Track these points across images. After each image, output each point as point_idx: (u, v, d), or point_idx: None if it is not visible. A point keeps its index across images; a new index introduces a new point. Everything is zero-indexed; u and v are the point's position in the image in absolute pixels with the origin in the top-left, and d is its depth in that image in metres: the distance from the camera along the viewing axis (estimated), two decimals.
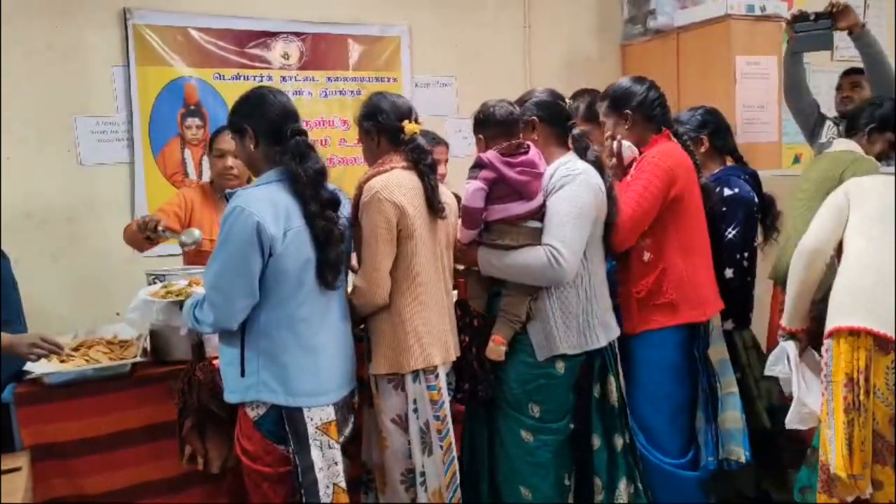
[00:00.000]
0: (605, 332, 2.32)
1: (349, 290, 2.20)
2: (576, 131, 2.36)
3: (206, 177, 3.42)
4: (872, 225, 2.19)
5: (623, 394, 2.39)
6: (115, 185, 3.40)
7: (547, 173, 2.25)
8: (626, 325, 2.44)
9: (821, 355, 2.19)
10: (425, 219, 2.17)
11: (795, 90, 3.32)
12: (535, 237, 2.20)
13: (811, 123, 3.36)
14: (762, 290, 3.06)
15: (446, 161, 3.06)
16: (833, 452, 2.04)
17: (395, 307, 2.15)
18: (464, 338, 2.31)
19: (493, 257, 2.24)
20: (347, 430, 2.17)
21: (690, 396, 2.50)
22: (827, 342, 2.13)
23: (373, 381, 2.20)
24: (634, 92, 2.52)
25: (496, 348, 2.23)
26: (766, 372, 2.43)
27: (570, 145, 2.35)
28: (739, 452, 2.47)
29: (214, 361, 2.18)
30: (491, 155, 2.20)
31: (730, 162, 2.89)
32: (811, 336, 2.34)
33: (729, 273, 2.66)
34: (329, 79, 3.81)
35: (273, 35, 3.67)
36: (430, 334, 2.17)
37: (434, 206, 2.18)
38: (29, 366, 2.22)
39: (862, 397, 2.03)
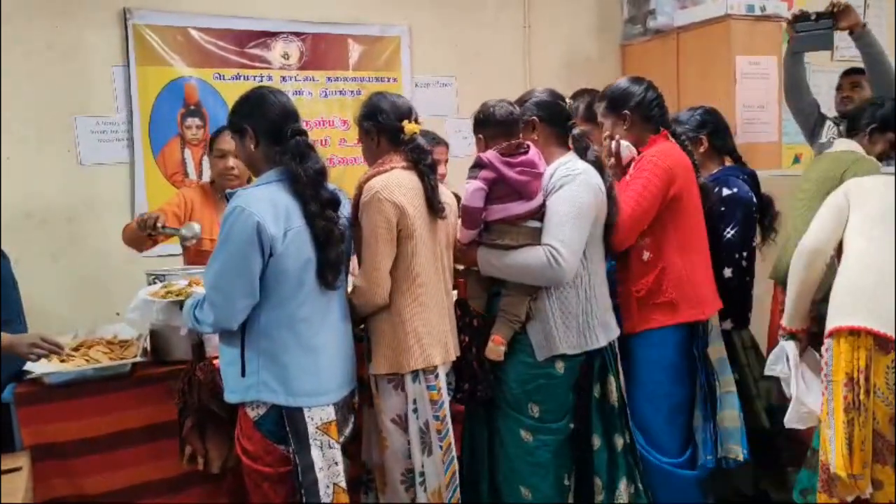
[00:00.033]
0: (605, 332, 2.32)
1: (349, 289, 2.20)
2: (576, 131, 2.36)
3: (206, 177, 3.42)
4: (873, 225, 2.19)
5: (623, 394, 2.39)
6: (115, 185, 3.40)
7: (547, 173, 2.25)
8: (626, 324, 2.45)
9: (821, 355, 2.19)
10: (425, 219, 2.17)
11: (796, 90, 3.32)
12: (535, 237, 2.19)
13: (811, 123, 3.36)
14: (762, 290, 3.07)
15: (446, 161, 3.06)
16: (833, 452, 2.04)
17: (395, 307, 2.15)
18: (463, 338, 2.31)
19: (492, 257, 2.24)
20: (347, 430, 2.17)
21: (689, 395, 2.50)
22: (827, 342, 2.13)
23: (373, 381, 2.20)
24: (633, 92, 2.52)
25: (495, 348, 2.23)
26: (767, 372, 2.43)
27: (570, 145, 2.35)
28: (738, 451, 2.48)
29: (214, 361, 2.18)
30: (491, 155, 2.20)
31: (728, 162, 2.90)
32: (812, 336, 2.34)
33: (727, 273, 2.66)
34: (329, 79, 3.81)
35: (273, 35, 3.67)
36: (429, 334, 2.17)
37: (434, 206, 2.18)
38: (29, 366, 2.22)
39: (862, 397, 2.03)
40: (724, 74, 3.69)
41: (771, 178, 3.37)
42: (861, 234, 2.20)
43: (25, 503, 1.93)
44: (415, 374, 2.15)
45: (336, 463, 2.03)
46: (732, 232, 2.67)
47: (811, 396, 2.23)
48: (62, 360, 2.29)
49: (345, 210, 2.15)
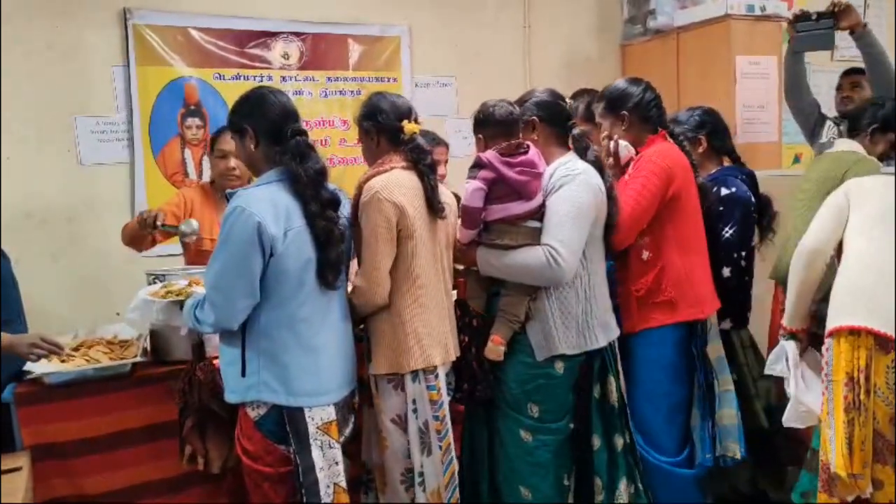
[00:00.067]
0: (605, 332, 2.32)
1: (349, 289, 2.20)
2: (576, 131, 2.36)
3: (206, 177, 3.42)
4: (873, 225, 2.19)
5: (623, 394, 2.39)
6: (115, 185, 3.41)
7: (547, 173, 2.25)
8: (626, 323, 2.45)
9: (821, 355, 2.19)
10: (425, 219, 2.17)
11: (796, 90, 3.32)
12: (535, 237, 2.19)
13: (811, 123, 3.36)
14: (763, 289, 3.07)
15: (446, 162, 3.06)
16: (833, 452, 2.04)
17: (395, 307, 2.15)
18: (463, 338, 2.31)
19: (492, 257, 2.24)
20: (348, 430, 2.17)
21: (688, 395, 2.51)
22: (827, 341, 2.13)
23: (372, 381, 2.20)
24: (631, 93, 2.53)
25: (495, 348, 2.23)
26: (767, 371, 2.43)
27: (570, 145, 2.35)
28: (735, 449, 2.49)
29: (215, 361, 2.18)
30: (490, 155, 2.20)
31: (727, 162, 2.90)
32: (812, 336, 2.34)
33: (726, 272, 2.67)
34: (329, 79, 3.81)
35: (273, 35, 3.67)
36: (429, 335, 2.17)
37: (434, 206, 2.18)
38: (29, 366, 2.22)
39: (862, 396, 2.03)
40: (724, 74, 3.69)
41: (771, 178, 3.37)
42: (861, 233, 2.20)
43: (25, 503, 1.92)
44: (414, 374, 2.15)
45: (336, 463, 2.03)
46: (731, 231, 2.67)
47: (810, 396, 2.23)
48: (62, 360, 2.29)
49: (345, 210, 2.15)
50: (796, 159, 4.37)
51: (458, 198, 2.39)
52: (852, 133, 2.83)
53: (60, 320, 2.96)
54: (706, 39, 3.81)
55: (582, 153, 2.33)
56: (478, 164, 2.20)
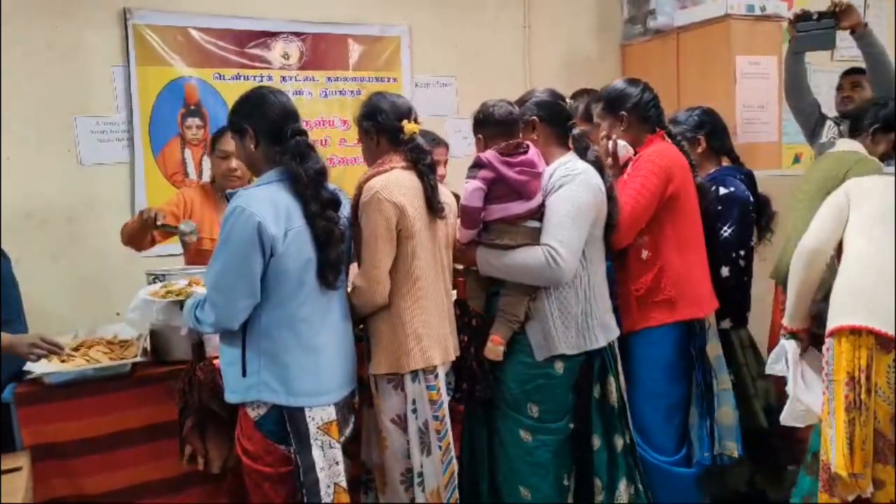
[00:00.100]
0: (605, 332, 2.32)
1: (349, 289, 2.20)
2: (576, 131, 2.36)
3: (206, 177, 3.42)
4: (873, 225, 2.19)
5: (623, 395, 2.39)
6: (115, 185, 3.40)
7: (546, 173, 2.25)
8: (626, 323, 2.46)
9: (822, 354, 2.19)
10: (425, 219, 2.17)
11: (797, 89, 3.32)
12: (534, 237, 2.19)
13: (812, 123, 3.36)
14: (764, 289, 3.07)
15: (445, 162, 3.05)
16: (834, 451, 2.04)
17: (395, 307, 2.15)
18: (463, 338, 2.31)
19: (491, 257, 2.24)
20: (348, 430, 2.17)
21: (686, 394, 2.52)
22: (828, 341, 2.13)
23: (372, 381, 2.20)
24: (629, 94, 2.54)
25: (494, 348, 2.23)
26: (767, 370, 2.44)
27: (571, 145, 2.35)
28: (733, 447, 2.51)
29: (215, 361, 2.19)
30: (490, 154, 2.20)
31: (726, 162, 2.90)
32: (813, 335, 2.34)
33: (725, 271, 2.67)
34: (329, 79, 3.81)
35: (273, 35, 3.67)
36: (429, 334, 2.17)
37: (434, 206, 2.18)
38: (29, 366, 2.22)
39: (863, 396, 2.03)
40: (724, 74, 3.69)
41: (771, 178, 3.37)
42: (861, 233, 2.20)
43: (25, 503, 1.92)
44: (414, 374, 2.15)
45: (337, 463, 2.04)
46: (729, 231, 2.67)
47: (810, 395, 2.23)
48: (62, 360, 2.29)
49: (345, 210, 2.15)
50: (796, 159, 4.37)
51: (457, 197, 2.39)
52: (854, 133, 2.83)
53: (60, 320, 2.96)
54: (706, 39, 3.81)
55: (582, 153, 2.33)
56: (477, 164, 2.20)
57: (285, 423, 1.99)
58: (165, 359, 2.39)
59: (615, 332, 2.38)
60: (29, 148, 3.23)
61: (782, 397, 2.35)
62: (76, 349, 2.39)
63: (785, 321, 2.38)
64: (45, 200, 3.27)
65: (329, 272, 2.01)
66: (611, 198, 2.31)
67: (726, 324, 2.71)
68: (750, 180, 2.82)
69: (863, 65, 3.24)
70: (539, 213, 2.21)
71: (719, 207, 2.68)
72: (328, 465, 2.01)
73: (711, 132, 2.84)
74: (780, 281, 2.79)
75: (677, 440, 2.51)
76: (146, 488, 2.33)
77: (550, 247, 2.15)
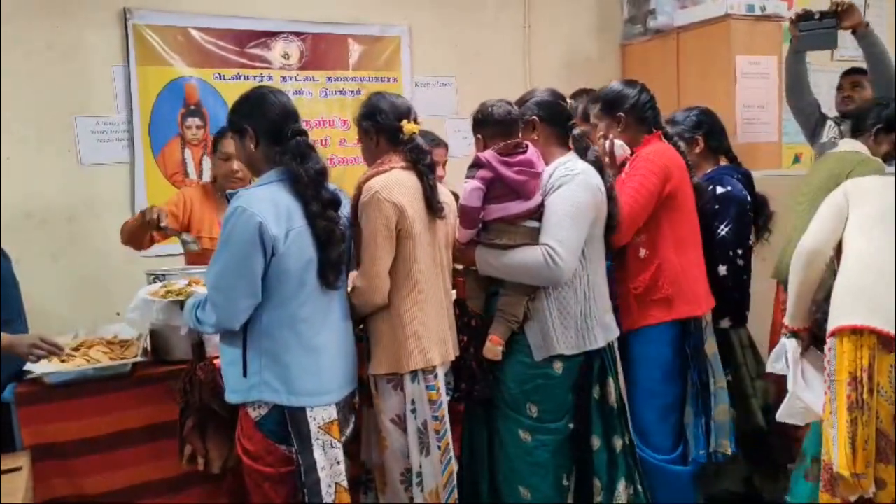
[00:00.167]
0: (604, 332, 2.32)
1: (348, 289, 2.20)
2: (576, 131, 2.37)
3: (206, 177, 3.42)
4: (873, 225, 2.19)
5: (623, 395, 2.39)
6: (115, 185, 3.40)
7: (546, 173, 2.25)
8: (625, 321, 2.47)
9: (823, 354, 2.19)
10: (424, 219, 2.17)
11: (797, 89, 3.33)
12: (533, 237, 2.19)
13: (812, 123, 3.36)
14: (765, 288, 3.07)
15: (445, 163, 3.05)
16: (836, 451, 2.04)
17: (394, 307, 2.15)
18: (462, 338, 2.31)
19: (490, 257, 2.24)
20: (348, 430, 2.17)
21: (683, 392, 2.53)
22: (830, 341, 2.13)
23: (372, 381, 2.20)
24: (627, 95, 2.56)
25: (493, 348, 2.23)
26: (768, 369, 2.44)
27: (571, 145, 2.35)
28: (727, 445, 2.54)
29: (215, 361, 2.18)
30: (489, 154, 2.20)
31: (724, 162, 2.91)
32: (813, 335, 2.34)
33: (722, 270, 2.68)
34: (329, 79, 3.81)
35: (273, 35, 3.67)
36: (428, 335, 2.17)
37: (433, 206, 2.18)
38: (29, 366, 2.22)
39: (865, 396, 2.03)
40: (724, 74, 3.69)
41: (771, 178, 3.37)
42: (861, 233, 2.20)
43: (25, 503, 1.92)
44: (413, 374, 2.15)
45: (338, 462, 2.03)
46: (726, 229, 2.68)
47: (810, 394, 2.23)
48: (62, 360, 2.29)
49: (345, 210, 2.15)
50: (796, 159, 4.37)
51: (457, 197, 2.39)
52: (856, 133, 2.84)
53: (60, 320, 2.96)
54: (706, 39, 3.81)
55: (582, 153, 2.33)
56: (476, 164, 2.20)
57: (286, 423, 1.99)
58: (165, 359, 2.39)
59: (615, 333, 2.38)
60: (29, 148, 3.23)
61: (781, 397, 2.35)
62: (76, 349, 2.39)
63: (786, 320, 2.39)
64: (45, 200, 3.27)
65: (330, 272, 2.01)
66: (611, 198, 2.31)
67: (725, 323, 2.71)
68: (747, 180, 2.83)
69: (863, 65, 3.24)
70: (538, 213, 2.21)
71: (716, 206, 2.69)
72: (329, 464, 2.01)
73: (709, 132, 2.85)
74: (782, 280, 2.80)
75: (674, 438, 2.53)
76: (146, 488, 2.33)
77: (549, 246, 2.15)
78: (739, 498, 2.79)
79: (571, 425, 2.32)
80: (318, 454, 1.99)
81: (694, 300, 2.50)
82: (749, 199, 2.75)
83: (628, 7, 4.34)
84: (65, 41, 3.27)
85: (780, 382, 2.45)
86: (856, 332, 2.07)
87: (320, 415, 2.01)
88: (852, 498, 2.06)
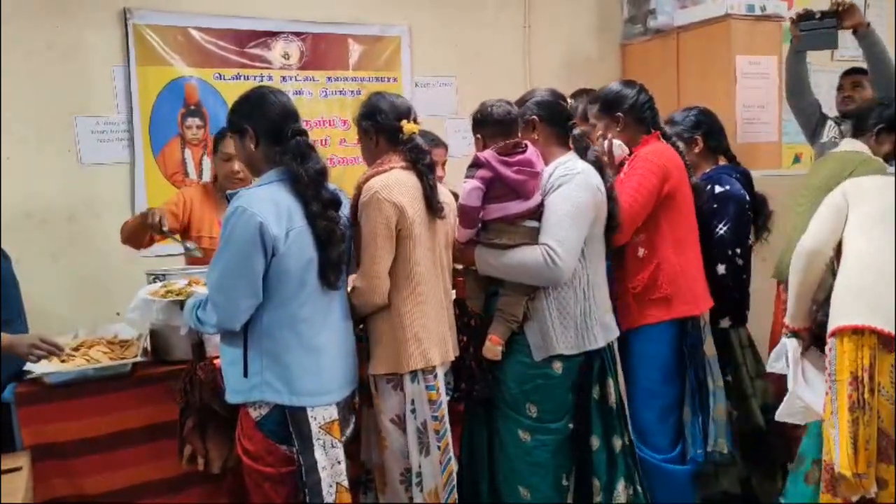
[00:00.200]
0: (604, 332, 2.32)
1: (348, 290, 2.20)
2: (576, 131, 2.37)
3: (206, 177, 3.42)
4: (873, 225, 2.19)
5: (622, 396, 2.39)
6: (115, 185, 3.40)
7: (546, 172, 2.25)
8: (624, 321, 2.47)
9: (824, 354, 2.19)
10: (424, 219, 2.17)
11: (798, 89, 3.33)
12: (533, 236, 2.19)
13: (813, 123, 3.37)
14: (765, 288, 3.07)
15: (444, 163, 3.05)
16: (838, 451, 2.04)
17: (394, 307, 2.15)
18: (462, 337, 2.31)
19: (490, 256, 2.24)
20: (349, 430, 2.17)
21: (681, 392, 2.54)
22: (830, 341, 2.13)
23: (371, 381, 2.20)
24: (625, 95, 2.57)
25: (492, 348, 2.23)
26: (769, 369, 2.45)
27: (571, 145, 2.35)
28: (723, 444, 2.55)
29: (215, 361, 2.18)
30: (488, 154, 2.20)
31: (722, 161, 2.91)
32: (814, 334, 2.35)
33: (721, 269, 2.68)
34: (329, 79, 3.81)
35: (273, 35, 3.66)
36: (428, 335, 2.17)
37: (433, 206, 2.18)
38: (29, 365, 2.22)
39: (866, 395, 2.03)
40: (724, 74, 3.69)
41: (771, 177, 3.37)
42: (861, 233, 2.20)
43: (25, 503, 1.92)
44: (413, 374, 2.15)
45: (339, 462, 2.03)
46: (725, 228, 2.68)
47: (811, 393, 2.23)
48: (62, 360, 2.29)
49: (345, 210, 2.15)
50: (796, 159, 4.37)
51: (456, 196, 2.39)
52: (857, 133, 2.84)
53: (60, 320, 2.96)
54: (706, 39, 3.81)
55: (582, 153, 2.33)
56: (475, 164, 2.20)
57: (287, 423, 1.99)
58: (165, 359, 2.39)
59: (615, 333, 2.38)
60: (29, 148, 3.23)
61: (780, 396, 2.35)
62: (76, 349, 2.39)
63: (786, 320, 2.39)
64: (45, 200, 3.27)
65: (330, 272, 2.01)
66: (611, 198, 2.31)
67: (725, 322, 2.72)
68: (746, 179, 2.83)
69: (863, 64, 3.24)
70: (538, 213, 2.21)
71: (715, 205, 2.70)
72: (330, 464, 2.01)
73: (708, 132, 2.86)
74: (782, 280, 2.80)
75: (672, 438, 2.54)
76: (146, 488, 2.33)
77: (548, 246, 2.15)
78: (736, 499, 2.79)
79: (571, 425, 2.32)
80: (318, 454, 1.99)
81: (692, 300, 2.51)
82: (748, 198, 2.75)
83: (628, 7, 4.34)
84: (65, 41, 3.27)
85: (780, 382, 2.45)
86: (856, 332, 2.07)
87: (321, 415, 2.01)
88: (854, 498, 2.06)
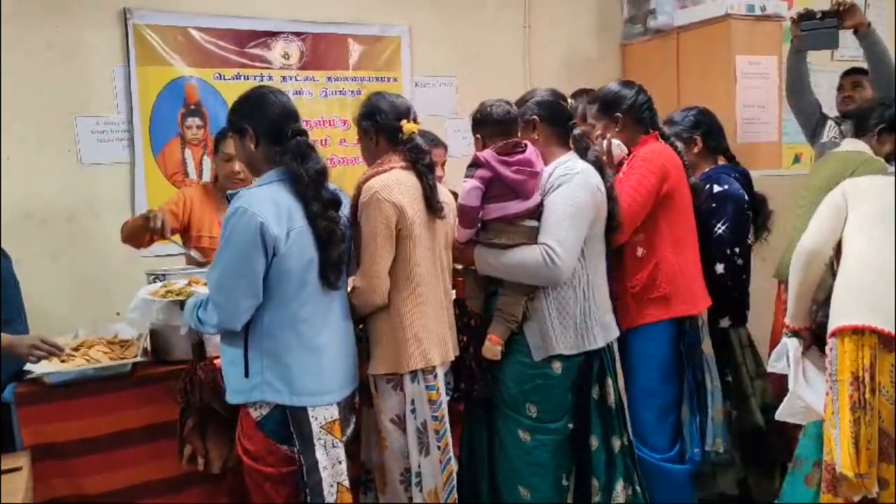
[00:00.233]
0: (604, 332, 2.31)
1: (348, 290, 2.20)
2: (577, 131, 2.37)
3: (206, 177, 3.43)
4: (872, 224, 2.19)
5: (622, 396, 2.39)
6: (115, 185, 3.40)
7: (546, 172, 2.25)
8: (623, 320, 2.47)
9: (825, 354, 2.20)
10: (424, 219, 2.17)
11: (798, 89, 3.33)
12: (532, 236, 2.19)
13: (813, 123, 3.37)
14: (766, 288, 3.07)
15: (443, 164, 3.05)
16: (839, 451, 2.04)
17: (394, 307, 2.15)
18: (462, 337, 2.31)
19: (489, 256, 2.23)
20: (349, 430, 2.17)
21: (680, 391, 2.55)
22: (831, 341, 2.13)
23: (371, 381, 2.20)
24: (624, 96, 2.58)
25: (492, 347, 2.23)
26: (770, 369, 2.45)
27: (571, 145, 2.35)
28: (720, 443, 2.56)
29: (215, 361, 2.18)
30: (487, 154, 2.19)
31: (722, 161, 2.91)
32: (815, 334, 2.35)
33: (719, 268, 2.69)
34: (329, 79, 3.81)
35: (273, 35, 3.66)
36: (428, 335, 2.17)
37: (433, 206, 2.18)
38: (29, 365, 2.22)
39: (867, 395, 2.03)
40: (724, 74, 3.69)
41: (771, 177, 3.37)
42: (860, 233, 2.20)
43: (25, 503, 1.92)
44: (413, 374, 2.15)
45: (340, 462, 2.03)
46: (723, 228, 2.69)
47: (811, 393, 2.23)
48: (62, 360, 2.29)
49: (345, 210, 2.15)
50: (796, 159, 4.37)
51: (456, 196, 2.39)
52: (859, 133, 2.84)
53: (60, 320, 2.96)
54: (706, 39, 3.81)
55: (582, 153, 2.33)
56: (475, 163, 2.20)
57: (288, 423, 1.99)
58: (165, 359, 2.39)
59: (615, 333, 2.38)
60: (29, 148, 3.22)
61: (780, 396, 2.35)
62: (76, 349, 2.39)
63: (787, 320, 2.39)
64: (45, 200, 3.27)
65: (331, 272, 2.01)
66: (611, 198, 2.31)
67: (725, 322, 2.72)
68: (745, 179, 2.84)
69: (863, 64, 3.24)
70: (537, 213, 2.21)
71: (713, 205, 2.70)
72: (331, 464, 2.01)
73: (707, 132, 2.86)
74: (783, 280, 2.80)
75: (671, 437, 2.54)
76: (146, 488, 2.33)
77: (548, 246, 2.15)
78: (733, 501, 2.80)
79: (571, 425, 2.31)
80: (320, 454, 1.99)
81: (691, 299, 2.51)
82: (746, 197, 2.75)
83: (628, 7, 4.34)
84: (65, 41, 3.27)
85: (780, 382, 2.45)
86: (857, 332, 2.07)
87: (322, 414, 2.01)
88: (856, 498, 2.06)
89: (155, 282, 2.45)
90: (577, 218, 2.18)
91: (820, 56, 3.94)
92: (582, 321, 2.25)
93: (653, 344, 2.49)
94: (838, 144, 2.99)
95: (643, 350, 2.50)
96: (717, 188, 2.72)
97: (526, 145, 2.22)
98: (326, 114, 3.82)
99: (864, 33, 3.11)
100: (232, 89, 3.42)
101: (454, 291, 2.37)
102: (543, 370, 2.24)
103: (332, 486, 2.01)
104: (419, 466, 2.17)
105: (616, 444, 2.35)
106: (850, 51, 3.89)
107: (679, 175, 2.52)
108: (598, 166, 2.32)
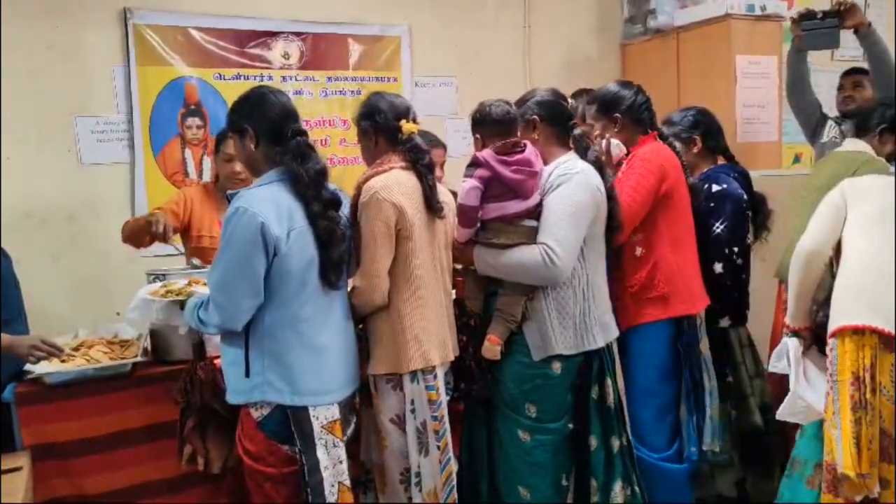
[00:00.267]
0: (604, 332, 2.31)
1: (348, 289, 2.20)
2: (577, 131, 2.37)
3: (206, 177, 3.43)
4: (872, 224, 2.19)
5: (621, 396, 2.39)
6: (115, 185, 3.40)
7: (545, 172, 2.25)
8: (622, 320, 2.47)
9: (825, 354, 2.20)
10: (424, 219, 2.17)
11: (799, 88, 3.33)
12: (531, 236, 2.19)
13: (813, 123, 3.37)
14: (766, 287, 3.06)
15: (443, 164, 3.05)
16: (840, 452, 2.04)
17: (394, 307, 2.15)
18: (461, 337, 2.31)
19: (488, 256, 2.23)
20: (350, 430, 2.17)
21: (678, 391, 2.55)
22: (831, 342, 2.13)
23: (371, 381, 2.20)
24: (623, 96, 2.58)
25: (491, 347, 2.23)
26: (770, 369, 2.46)
27: (571, 145, 2.36)
28: (716, 443, 2.58)
29: (215, 361, 2.18)
30: (486, 153, 2.19)
31: (721, 161, 2.91)
32: (815, 334, 2.35)
33: (718, 268, 2.69)
34: (329, 79, 3.81)
35: (273, 35, 3.66)
36: (428, 335, 2.17)
37: (432, 206, 2.18)
38: (29, 366, 2.22)
39: (868, 395, 2.03)
40: (724, 74, 3.69)
41: (771, 177, 3.37)
42: (860, 233, 2.20)
43: (25, 503, 1.92)
44: (413, 374, 2.15)
45: (340, 461, 2.04)
46: (722, 227, 2.69)
47: (812, 393, 2.23)
48: (62, 360, 2.29)
49: (345, 210, 2.15)
50: (796, 159, 4.37)
51: (455, 196, 2.39)
52: (860, 133, 2.84)
53: (60, 320, 2.96)
54: (706, 39, 3.80)
55: (582, 153, 2.33)
56: (474, 163, 2.20)
57: (288, 423, 1.99)
58: (165, 359, 2.40)
59: (614, 333, 2.38)
60: (29, 148, 3.22)
61: (780, 396, 2.35)
62: (76, 349, 2.39)
63: (787, 320, 2.39)
64: (45, 200, 3.27)
65: (331, 272, 2.01)
66: (611, 197, 2.31)
67: (725, 322, 2.72)
68: (744, 178, 2.84)
69: (864, 64, 3.24)
70: (536, 212, 2.21)
71: (711, 204, 2.71)
72: (332, 463, 2.01)
73: (706, 132, 2.86)
74: (784, 280, 2.80)
75: (669, 436, 2.55)
76: (146, 488, 2.33)
77: (547, 245, 2.15)
78: (731, 502, 2.80)
79: (570, 425, 2.31)
80: (321, 454, 1.99)
81: (689, 298, 2.52)
82: (745, 197, 2.75)
83: (628, 7, 4.34)
84: (65, 41, 3.27)
85: (780, 382, 2.45)
86: (857, 332, 2.07)
87: (323, 414, 2.01)
88: (857, 498, 2.06)
89: (155, 282, 2.45)
90: (576, 218, 2.18)
91: (820, 56, 3.94)
92: (581, 321, 2.25)
93: (651, 343, 2.50)
94: (838, 144, 2.99)
95: (642, 350, 2.50)
96: (715, 187, 2.72)
97: (525, 145, 2.22)
98: (326, 114, 3.82)
99: (865, 33, 3.11)
100: (232, 89, 3.42)
101: (454, 291, 2.37)
102: (543, 370, 2.24)
103: (333, 485, 2.01)
104: (419, 466, 2.17)
105: (615, 444, 2.35)
106: (850, 51, 3.89)
107: (677, 175, 2.52)
108: (599, 166, 2.32)
